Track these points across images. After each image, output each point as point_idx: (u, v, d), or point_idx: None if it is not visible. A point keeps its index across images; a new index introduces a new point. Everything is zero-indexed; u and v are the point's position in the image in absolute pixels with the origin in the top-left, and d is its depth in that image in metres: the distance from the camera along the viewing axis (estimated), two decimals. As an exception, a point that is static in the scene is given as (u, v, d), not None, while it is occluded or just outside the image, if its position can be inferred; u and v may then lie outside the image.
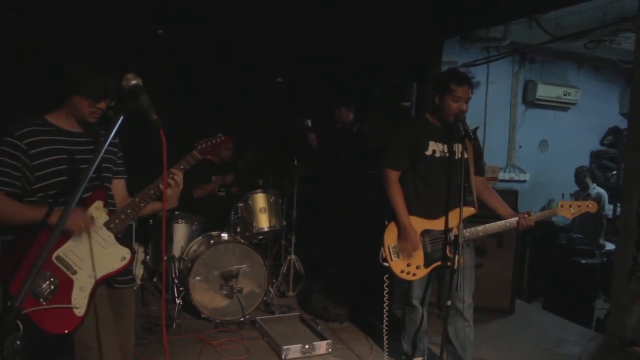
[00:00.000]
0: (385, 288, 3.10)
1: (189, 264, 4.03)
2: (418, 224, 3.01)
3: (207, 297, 4.03)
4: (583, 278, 5.36)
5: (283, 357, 3.48)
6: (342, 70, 6.03)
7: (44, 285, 1.92)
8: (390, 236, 3.03)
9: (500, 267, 4.57)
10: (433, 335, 3.47)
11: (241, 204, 4.45)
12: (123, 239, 2.13)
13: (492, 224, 2.96)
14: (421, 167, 3.03)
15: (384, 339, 3.27)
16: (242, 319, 4.05)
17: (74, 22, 4.68)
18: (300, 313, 4.28)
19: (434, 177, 3.02)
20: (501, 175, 7.17)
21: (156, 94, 1.87)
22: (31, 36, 4.57)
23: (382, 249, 3.02)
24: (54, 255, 1.97)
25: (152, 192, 2.08)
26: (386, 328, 3.23)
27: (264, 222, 4.44)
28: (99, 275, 2.04)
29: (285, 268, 4.87)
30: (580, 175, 6.55)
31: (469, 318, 3.09)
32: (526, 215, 2.93)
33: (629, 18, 4.90)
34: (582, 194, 6.52)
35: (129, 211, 2.10)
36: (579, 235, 6.08)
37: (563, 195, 5.97)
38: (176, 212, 4.60)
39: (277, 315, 4.24)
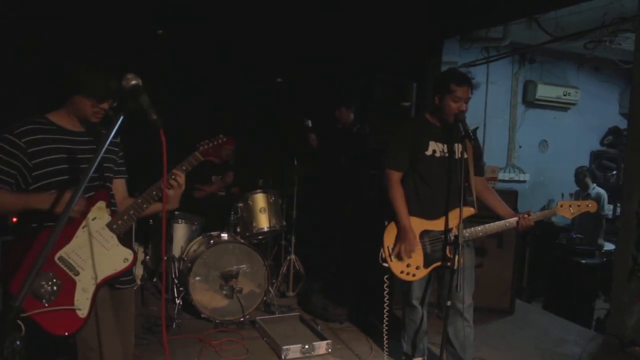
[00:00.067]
0: (385, 288, 3.10)
1: (189, 264, 4.03)
2: (418, 224, 3.01)
3: (207, 297, 4.03)
4: (583, 278, 5.36)
5: (283, 357, 3.48)
6: (342, 70, 6.04)
7: (46, 286, 1.91)
8: (390, 237, 3.03)
9: (500, 267, 4.57)
10: (433, 336, 3.47)
11: (241, 204, 4.45)
12: (123, 240, 2.12)
13: (492, 224, 2.96)
14: (421, 167, 3.03)
15: (384, 339, 3.26)
16: (242, 319, 4.05)
17: (74, 22, 4.68)
18: (300, 313, 4.28)
19: (434, 177, 3.02)
20: (501, 176, 7.18)
21: (156, 94, 1.87)
22: (31, 36, 4.57)
23: (382, 249, 3.02)
24: (57, 255, 1.96)
25: (154, 192, 2.07)
26: (386, 328, 3.22)
27: (263, 222, 4.44)
28: (102, 276, 2.03)
29: (285, 268, 4.87)
30: (580, 175, 6.55)
31: (468, 318, 3.09)
32: (526, 215, 2.93)
33: (629, 18, 4.90)
34: (582, 193, 6.52)
35: (131, 212, 2.09)
36: (578, 236, 6.09)
37: (563, 195, 5.98)
38: (176, 212, 4.61)
39: (277, 316, 4.24)
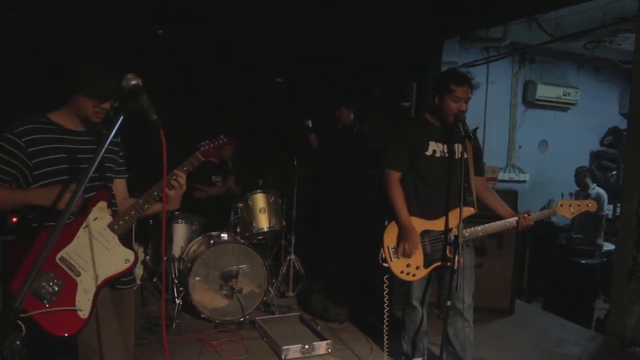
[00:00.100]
0: (385, 288, 3.10)
1: (189, 264, 4.03)
2: (418, 224, 3.00)
3: (207, 297, 4.03)
4: (583, 278, 5.36)
5: (283, 357, 3.48)
6: (342, 70, 6.04)
7: (47, 287, 1.91)
8: (390, 237, 3.03)
9: (500, 267, 4.57)
10: (433, 336, 3.47)
11: (241, 204, 4.45)
12: (124, 240, 2.12)
13: (492, 223, 2.96)
14: (421, 167, 3.03)
15: (384, 339, 3.26)
16: (241, 319, 4.05)
17: (74, 22, 4.68)
18: (300, 313, 4.28)
19: (434, 177, 3.02)
20: (501, 176, 7.18)
21: (156, 94, 1.87)
22: (31, 36, 4.57)
23: (382, 249, 3.02)
24: (58, 256, 1.95)
25: (155, 193, 2.06)
26: (386, 328, 3.22)
27: (263, 222, 4.44)
28: (103, 277, 2.02)
29: (285, 268, 4.87)
30: (580, 176, 6.55)
31: (468, 318, 3.09)
32: (526, 215, 2.93)
33: (629, 18, 4.90)
34: (582, 194, 6.52)
35: (132, 212, 2.08)
36: (578, 236, 6.09)
37: (563, 195, 5.97)
38: (176, 212, 4.60)
39: (277, 316, 4.24)
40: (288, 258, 4.88)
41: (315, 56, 5.70)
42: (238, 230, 4.41)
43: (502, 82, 7.26)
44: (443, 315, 2.96)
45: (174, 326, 3.89)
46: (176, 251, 4.50)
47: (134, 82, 1.73)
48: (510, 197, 4.41)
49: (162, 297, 2.15)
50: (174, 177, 2.08)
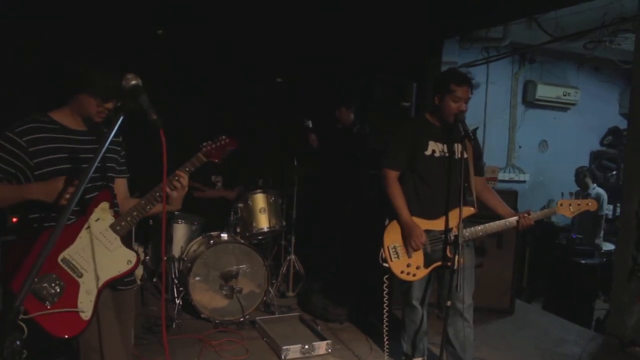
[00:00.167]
0: (385, 288, 3.10)
1: (189, 264, 4.03)
2: (418, 224, 3.00)
3: (206, 297, 4.03)
4: (583, 278, 5.36)
5: (283, 357, 3.48)
6: (342, 70, 6.03)
7: (49, 288, 1.89)
8: (390, 237, 3.03)
9: (500, 267, 4.57)
10: (433, 336, 3.47)
11: (241, 204, 4.45)
12: (125, 240, 2.11)
13: (492, 223, 2.96)
14: (421, 167, 3.03)
15: (384, 339, 3.26)
16: (241, 319, 4.05)
17: (74, 22, 4.67)
18: (300, 313, 4.28)
19: (434, 177, 3.02)
20: (501, 176, 7.18)
21: (156, 94, 1.87)
22: (31, 36, 4.57)
23: (382, 249, 3.02)
24: (60, 257, 1.94)
25: (157, 194, 2.05)
26: (386, 328, 3.22)
27: (263, 222, 4.44)
28: (105, 278, 2.01)
29: (285, 268, 4.87)
30: (580, 176, 6.55)
31: (468, 318, 3.09)
32: (526, 215, 2.93)
33: (629, 18, 4.90)
34: (582, 193, 6.53)
35: (134, 213, 2.07)
36: (578, 236, 6.09)
37: (562, 195, 5.97)
38: (176, 213, 4.59)
39: (276, 316, 4.24)
40: (288, 258, 4.88)
41: (315, 56, 5.70)
42: (238, 230, 4.41)
43: (502, 82, 7.26)
44: (443, 315, 2.95)
45: (174, 326, 3.89)
46: (176, 251, 4.50)
47: (134, 82, 1.72)
48: (510, 197, 4.41)
49: (162, 297, 2.14)
50: (176, 178, 2.07)
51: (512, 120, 7.43)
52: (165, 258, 4.25)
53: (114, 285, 2.13)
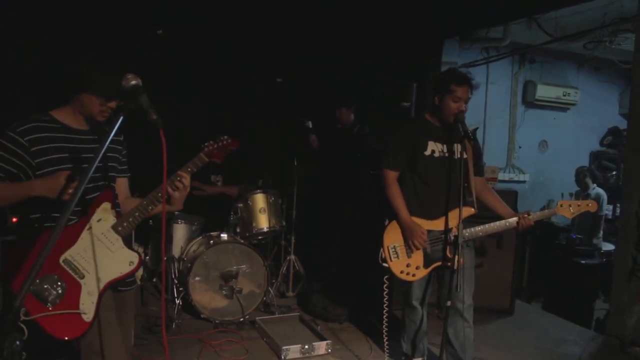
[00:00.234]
0: (385, 288, 3.10)
1: (189, 264, 4.03)
2: (418, 223, 3.00)
3: (206, 297, 4.03)
4: (583, 278, 5.37)
5: (282, 357, 3.48)
6: (342, 70, 6.03)
7: (51, 289, 1.88)
8: (390, 237, 3.03)
9: (500, 267, 4.58)
10: (433, 336, 3.47)
11: (241, 205, 4.45)
12: (126, 241, 2.11)
13: (492, 224, 2.96)
14: (420, 167, 3.03)
15: (384, 339, 3.26)
16: (241, 319, 4.05)
17: (74, 22, 4.67)
18: (299, 313, 4.28)
19: (433, 178, 3.02)
20: (501, 176, 7.18)
21: (156, 94, 1.87)
22: (31, 36, 4.57)
23: (382, 249, 3.02)
24: (62, 258, 1.93)
25: (159, 194, 2.04)
26: (386, 328, 3.22)
27: (263, 222, 4.44)
28: (107, 279, 2.00)
29: (284, 268, 4.87)
30: (580, 176, 6.55)
31: (468, 318, 3.09)
32: (526, 215, 2.93)
33: (629, 18, 4.90)
34: (582, 194, 6.53)
35: (136, 214, 2.06)
36: (578, 236, 6.09)
37: (562, 195, 5.97)
38: (176, 213, 4.60)
39: (276, 316, 4.24)
40: (288, 258, 4.88)
41: (315, 56, 5.69)
42: (238, 230, 4.41)
43: (502, 82, 7.27)
44: (443, 315, 2.96)
45: (173, 326, 3.89)
46: (176, 251, 4.50)
47: (134, 82, 1.72)
48: (510, 197, 4.41)
49: (162, 297, 2.13)
50: (178, 179, 2.06)
51: (512, 121, 7.43)
52: (165, 258, 4.25)
53: (115, 287, 2.11)
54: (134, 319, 2.34)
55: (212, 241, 4.14)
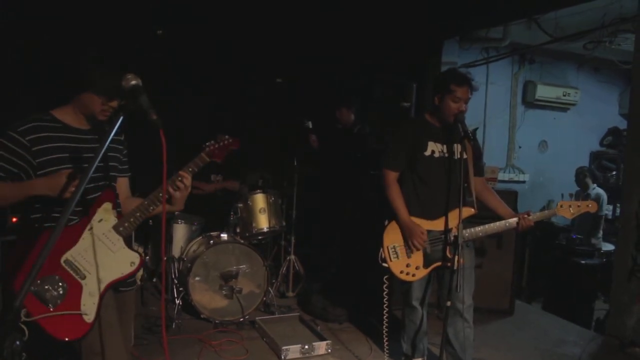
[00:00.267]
0: (385, 289, 3.10)
1: (189, 265, 4.03)
2: (418, 223, 3.00)
3: (206, 297, 4.03)
4: (583, 279, 5.37)
5: (282, 357, 3.48)
6: (342, 70, 6.03)
7: (52, 290, 1.88)
8: (390, 237, 3.03)
9: (500, 268, 4.58)
10: (433, 336, 3.47)
11: (241, 205, 4.45)
12: (127, 241, 2.10)
13: (492, 224, 2.96)
14: (420, 167, 3.03)
15: (384, 339, 3.26)
16: (241, 320, 4.05)
17: (74, 22, 4.67)
18: (299, 313, 4.28)
19: (433, 178, 3.02)
20: (501, 176, 7.18)
21: (156, 94, 1.87)
22: (31, 36, 4.57)
23: (382, 249, 3.02)
24: (63, 258, 1.93)
25: (160, 195, 2.04)
26: (386, 329, 3.22)
27: (263, 222, 4.44)
28: (108, 280, 2.00)
29: (284, 268, 4.87)
30: (580, 176, 6.56)
31: (468, 319, 3.09)
32: (526, 216, 2.93)
33: (629, 19, 4.90)
34: (582, 194, 6.53)
35: (138, 214, 2.06)
36: (578, 236, 6.09)
37: (562, 195, 5.97)
38: (176, 213, 4.60)
39: (276, 316, 4.24)
40: (288, 258, 4.88)
41: (315, 56, 5.70)
42: (238, 230, 4.41)
43: (502, 82, 7.26)
44: (443, 315, 2.96)
45: (173, 326, 3.89)
46: (176, 251, 4.50)
47: (133, 82, 1.72)
48: (510, 197, 4.41)
49: (162, 297, 2.13)
50: (180, 179, 2.06)
51: (512, 121, 7.43)
52: (165, 258, 4.25)
53: (116, 287, 2.11)
54: (134, 319, 2.34)
55: (212, 241, 4.14)
